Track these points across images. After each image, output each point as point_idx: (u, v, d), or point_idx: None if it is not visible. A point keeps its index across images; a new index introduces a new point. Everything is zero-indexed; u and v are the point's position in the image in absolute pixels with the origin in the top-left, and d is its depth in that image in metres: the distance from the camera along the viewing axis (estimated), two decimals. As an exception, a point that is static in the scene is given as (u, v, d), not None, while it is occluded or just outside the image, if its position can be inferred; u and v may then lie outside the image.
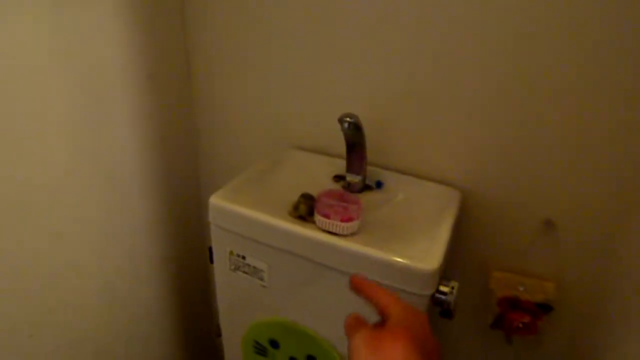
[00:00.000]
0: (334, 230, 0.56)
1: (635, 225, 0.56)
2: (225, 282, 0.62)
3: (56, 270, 0.65)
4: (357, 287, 0.38)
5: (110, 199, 0.71)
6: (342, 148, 0.63)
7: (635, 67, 0.50)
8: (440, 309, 0.52)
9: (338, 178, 0.68)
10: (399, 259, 0.47)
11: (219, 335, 0.73)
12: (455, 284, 0.51)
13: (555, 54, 0.53)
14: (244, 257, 0.58)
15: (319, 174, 0.69)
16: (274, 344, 0.62)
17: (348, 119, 0.56)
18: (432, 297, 0.50)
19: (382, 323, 0.34)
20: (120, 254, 0.76)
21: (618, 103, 0.52)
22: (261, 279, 0.58)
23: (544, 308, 0.64)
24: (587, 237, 0.60)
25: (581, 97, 0.54)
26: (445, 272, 0.52)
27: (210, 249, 0.87)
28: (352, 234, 0.57)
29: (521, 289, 0.64)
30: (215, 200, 0.56)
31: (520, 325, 0.64)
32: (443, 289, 0.51)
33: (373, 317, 0.50)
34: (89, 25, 0.60)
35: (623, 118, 0.53)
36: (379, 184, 0.67)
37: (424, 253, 0.48)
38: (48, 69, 0.56)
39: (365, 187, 0.66)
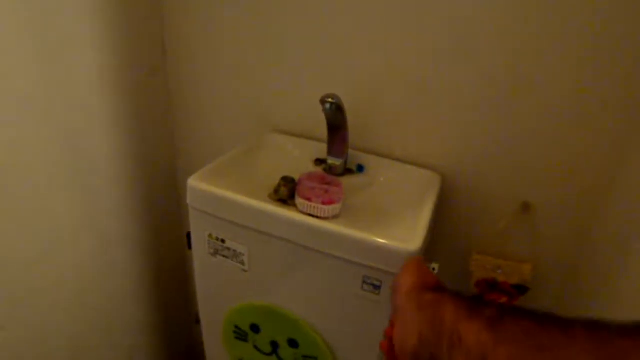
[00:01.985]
0: (315, 213, 0.56)
1: (609, 207, 0.57)
2: (204, 266, 0.61)
3: (25, 260, 0.62)
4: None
5: (81, 184, 0.68)
6: (322, 132, 0.62)
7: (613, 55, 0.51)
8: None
9: (319, 162, 0.68)
10: (382, 240, 0.46)
11: (198, 322, 0.71)
12: (436, 265, 0.51)
13: (536, 42, 0.53)
14: (223, 241, 0.56)
15: (300, 157, 0.68)
16: (255, 328, 0.61)
17: (330, 99, 0.55)
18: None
19: None
20: (94, 241, 0.73)
21: (595, 88, 0.53)
22: (241, 263, 0.57)
23: (520, 289, 0.65)
24: (562, 219, 0.62)
25: (560, 84, 0.54)
26: (427, 255, 0.53)
27: (188, 235, 0.85)
28: (334, 217, 0.57)
29: (499, 271, 0.66)
30: (194, 182, 0.55)
31: (498, 305, 0.65)
32: (424, 270, 0.51)
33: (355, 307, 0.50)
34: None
35: (599, 102, 0.54)
36: (360, 168, 0.66)
37: (407, 234, 0.48)
38: (16, 43, 0.53)
39: (347, 171, 0.66)
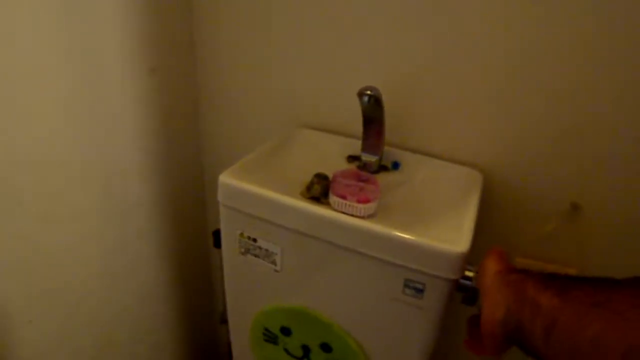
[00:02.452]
0: (350, 212, 0.53)
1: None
2: (234, 266, 0.59)
3: (53, 255, 0.61)
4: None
5: (108, 181, 0.67)
6: (355, 127, 0.59)
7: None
8: (463, 294, 0.49)
9: (352, 158, 0.65)
10: (427, 241, 0.43)
11: (224, 322, 0.70)
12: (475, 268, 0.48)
13: (598, 35, 0.49)
14: (255, 240, 0.54)
15: (332, 154, 0.66)
16: (286, 331, 0.59)
17: (368, 92, 0.52)
18: (457, 282, 0.47)
19: None
20: (120, 238, 0.72)
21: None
22: (273, 262, 0.54)
23: (566, 295, 0.61)
24: (613, 222, 0.58)
25: (615, 77, 0.50)
26: (469, 259, 0.49)
27: (214, 233, 0.84)
28: (370, 216, 0.54)
29: (542, 275, 0.62)
30: (225, 179, 0.53)
31: (542, 312, 0.61)
32: (468, 274, 0.48)
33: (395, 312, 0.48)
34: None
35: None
36: (395, 165, 0.63)
37: (451, 235, 0.45)
38: (48, 52, 0.53)
39: (381, 168, 0.63)
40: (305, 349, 0.59)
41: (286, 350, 0.61)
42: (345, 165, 0.64)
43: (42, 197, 0.58)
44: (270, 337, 0.61)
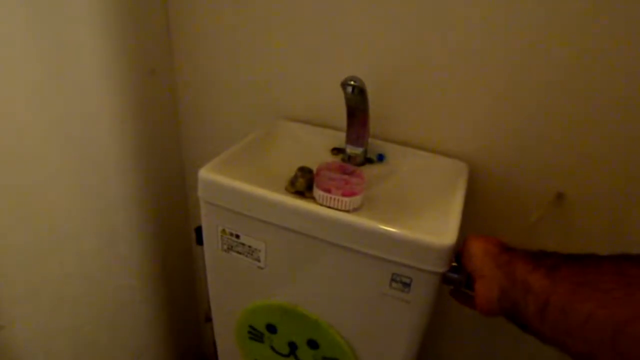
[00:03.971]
0: (335, 206, 0.52)
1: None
2: (217, 263, 0.57)
3: (26, 256, 0.59)
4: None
5: (84, 177, 0.64)
6: (339, 119, 0.58)
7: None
8: (451, 287, 0.49)
9: (336, 151, 0.64)
10: (414, 234, 0.43)
11: (209, 320, 0.68)
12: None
13: (577, 21, 0.49)
14: (237, 236, 0.53)
15: (316, 146, 0.64)
16: (272, 328, 0.57)
17: (352, 82, 0.51)
18: (444, 275, 0.47)
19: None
20: (98, 237, 0.70)
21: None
22: (257, 259, 0.53)
23: (552, 284, 0.61)
24: (599, 212, 0.58)
25: (601, 66, 0.50)
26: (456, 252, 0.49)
27: (196, 230, 0.82)
28: (355, 210, 0.53)
29: (528, 265, 0.62)
30: (206, 174, 0.51)
31: (528, 302, 0.61)
32: (455, 266, 0.47)
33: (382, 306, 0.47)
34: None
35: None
36: (380, 157, 0.62)
37: (438, 227, 0.45)
38: (22, 45, 0.50)
39: (366, 161, 0.62)
40: (292, 346, 0.58)
41: (272, 348, 0.59)
42: (329, 158, 0.63)
43: (15, 194, 0.55)
44: (255, 335, 0.60)
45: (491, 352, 0.75)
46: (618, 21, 0.48)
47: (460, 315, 0.73)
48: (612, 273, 0.30)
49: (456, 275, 0.47)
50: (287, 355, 0.59)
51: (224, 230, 0.53)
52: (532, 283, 0.34)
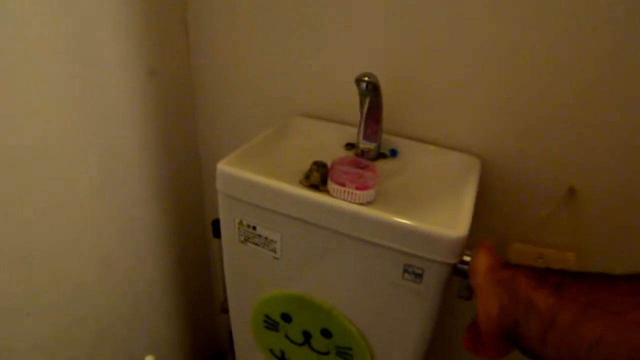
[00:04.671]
0: (349, 199, 0.53)
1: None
2: (234, 254, 0.59)
3: (52, 246, 0.61)
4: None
5: (107, 171, 0.67)
6: (352, 115, 0.59)
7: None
8: (461, 278, 0.50)
9: (350, 146, 0.65)
10: (426, 226, 0.44)
11: (226, 311, 0.70)
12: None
13: (580, 20, 0.49)
14: (254, 228, 0.54)
15: (329, 142, 0.66)
16: (287, 317, 0.59)
17: (366, 78, 0.52)
18: (455, 266, 0.48)
19: None
20: (119, 229, 0.72)
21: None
22: (273, 250, 0.55)
23: (563, 279, 0.62)
24: (610, 207, 0.58)
25: (609, 63, 0.50)
26: (467, 245, 0.50)
27: (213, 223, 0.84)
28: (368, 203, 0.54)
29: (540, 260, 0.62)
30: (224, 167, 0.53)
31: (539, 296, 0.62)
32: (466, 258, 0.48)
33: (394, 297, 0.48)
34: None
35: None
36: (393, 152, 0.63)
37: (451, 220, 0.46)
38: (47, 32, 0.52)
39: (380, 156, 0.63)
40: (306, 335, 0.59)
41: (287, 337, 0.61)
42: (343, 153, 0.64)
43: (42, 188, 0.57)
44: (271, 324, 0.62)
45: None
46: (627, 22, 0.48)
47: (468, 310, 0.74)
48: (626, 294, 0.28)
49: (467, 267, 0.48)
50: (302, 344, 0.60)
51: (241, 222, 0.55)
52: (536, 301, 0.32)
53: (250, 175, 0.51)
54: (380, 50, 0.61)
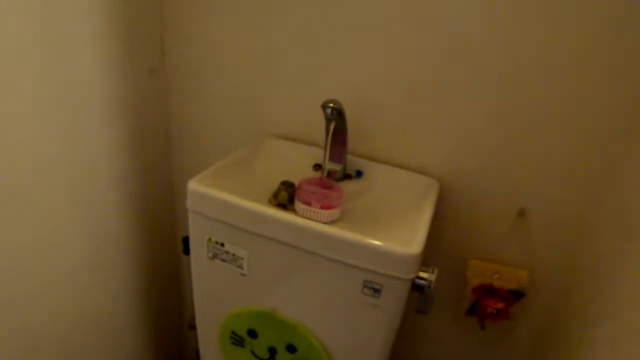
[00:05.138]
0: (315, 218, 0.55)
1: (604, 212, 0.58)
2: (203, 271, 0.60)
3: (12, 260, 0.61)
4: None
5: (75, 187, 0.67)
6: (321, 137, 0.62)
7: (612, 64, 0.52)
8: (419, 294, 0.53)
9: (318, 167, 0.68)
10: (381, 244, 0.47)
11: (193, 327, 0.71)
12: (435, 269, 0.52)
13: (531, 50, 0.54)
14: (222, 245, 0.56)
15: (299, 162, 0.69)
16: (253, 333, 0.61)
17: (331, 104, 0.55)
18: (413, 282, 0.51)
19: None
20: (87, 243, 0.72)
21: (588, 96, 0.54)
22: (240, 266, 0.56)
23: (517, 294, 0.66)
24: (558, 224, 0.63)
25: (553, 91, 0.56)
26: (426, 261, 0.53)
27: (184, 240, 0.85)
28: (333, 222, 0.57)
29: (495, 276, 0.66)
30: (194, 185, 0.55)
31: (494, 311, 0.66)
32: (423, 274, 0.51)
33: (355, 311, 0.50)
34: None
35: (591, 110, 0.55)
36: (359, 173, 0.67)
37: (407, 238, 0.49)
38: (18, 43, 0.53)
39: (345, 177, 0.66)
40: (272, 351, 0.61)
41: (253, 353, 0.62)
42: (311, 174, 0.67)
43: (7, 203, 0.57)
44: (237, 340, 0.63)
45: (459, 357, 0.79)
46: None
47: (429, 325, 0.77)
48: None
49: (424, 281, 0.51)
50: (267, 360, 0.62)
51: (209, 239, 0.57)
52: None
53: (219, 194, 0.53)
54: (347, 78, 0.65)
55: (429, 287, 0.52)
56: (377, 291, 0.49)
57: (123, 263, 0.81)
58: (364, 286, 0.50)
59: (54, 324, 0.70)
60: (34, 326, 0.67)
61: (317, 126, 0.60)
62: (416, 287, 0.51)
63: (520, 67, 0.56)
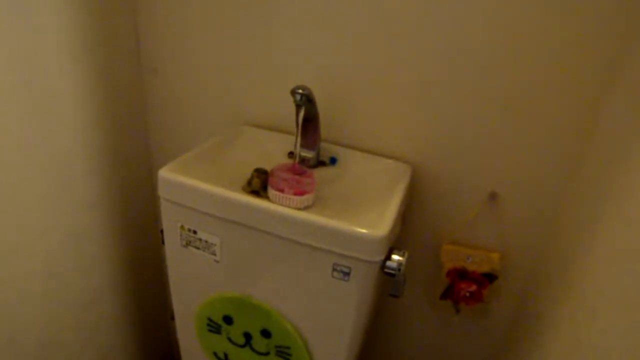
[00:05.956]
0: (287, 204, 0.56)
1: (573, 193, 0.59)
2: (177, 258, 0.61)
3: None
4: None
5: (52, 178, 0.67)
6: (295, 125, 0.62)
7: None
8: (391, 277, 0.54)
9: (292, 154, 0.68)
10: (349, 227, 0.47)
11: (174, 318, 0.71)
12: (405, 252, 0.52)
13: (499, 31, 0.55)
14: (195, 232, 0.56)
15: (273, 150, 0.69)
16: (228, 320, 0.61)
17: (300, 90, 0.55)
18: (383, 265, 0.51)
19: None
20: (65, 236, 0.72)
21: (552, 77, 0.55)
22: (213, 253, 0.57)
23: (489, 277, 0.67)
24: (527, 207, 0.64)
25: (521, 74, 0.56)
26: (399, 246, 0.54)
27: (162, 231, 0.85)
28: (306, 207, 0.58)
29: (469, 260, 0.67)
30: (165, 173, 0.55)
31: (467, 294, 0.67)
32: (393, 257, 0.52)
33: (326, 294, 0.51)
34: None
35: (556, 89, 0.56)
36: (332, 160, 0.67)
37: (374, 221, 0.49)
38: None
39: (319, 163, 0.66)
40: (247, 336, 0.61)
41: (229, 339, 0.63)
42: (286, 161, 0.67)
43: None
44: (214, 327, 0.63)
45: (442, 344, 0.80)
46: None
47: (405, 309, 0.78)
48: None
49: (395, 264, 0.52)
50: (243, 346, 0.62)
51: (182, 227, 0.57)
52: None
53: (189, 181, 0.53)
54: (317, 64, 0.65)
55: (399, 270, 0.52)
56: (346, 274, 0.50)
57: (102, 255, 0.81)
58: (334, 269, 0.50)
59: (34, 319, 0.70)
60: (11, 323, 0.66)
61: (291, 114, 0.60)
62: (386, 271, 0.52)
63: (491, 49, 0.56)
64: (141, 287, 0.94)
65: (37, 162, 0.63)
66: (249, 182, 0.61)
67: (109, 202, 0.79)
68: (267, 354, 0.61)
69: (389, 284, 0.55)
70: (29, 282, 0.68)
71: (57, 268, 0.72)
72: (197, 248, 0.57)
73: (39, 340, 0.73)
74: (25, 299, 0.68)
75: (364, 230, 0.47)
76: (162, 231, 0.85)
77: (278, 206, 0.53)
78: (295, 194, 0.56)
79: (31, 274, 0.68)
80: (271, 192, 0.57)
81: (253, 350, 0.62)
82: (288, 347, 0.59)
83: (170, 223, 0.58)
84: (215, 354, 0.66)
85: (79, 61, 0.65)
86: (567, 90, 0.55)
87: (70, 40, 0.63)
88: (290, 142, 0.69)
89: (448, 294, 0.69)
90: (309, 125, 0.62)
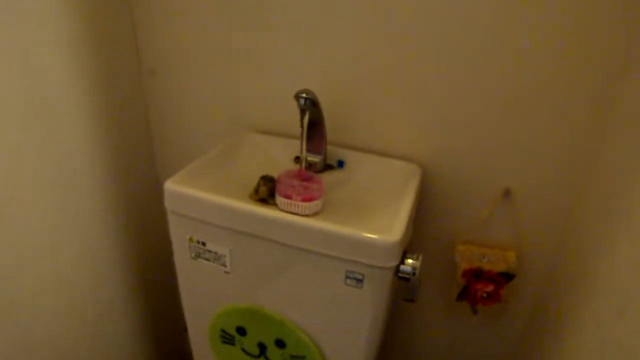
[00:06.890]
0: (296, 211, 0.55)
1: (589, 188, 0.57)
2: (187, 270, 0.60)
3: (4, 269, 0.60)
4: None
5: (61, 190, 0.67)
6: (300, 130, 0.61)
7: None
8: (405, 282, 0.52)
9: (299, 159, 0.67)
10: (360, 233, 0.46)
11: (187, 329, 0.70)
12: (419, 255, 0.51)
13: (513, 31, 0.53)
14: (204, 244, 0.56)
15: (279, 156, 0.68)
16: (242, 331, 0.60)
17: (304, 94, 0.54)
18: (397, 270, 0.50)
19: None
20: (76, 250, 0.72)
21: (568, 73, 0.54)
22: (223, 264, 0.56)
23: (506, 276, 0.65)
24: (542, 203, 0.62)
25: (530, 70, 0.55)
26: (412, 248, 0.52)
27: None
28: (315, 214, 0.56)
29: (484, 259, 0.66)
30: (171, 186, 0.54)
31: (485, 294, 0.65)
32: (407, 261, 0.51)
33: (339, 302, 0.50)
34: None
35: (571, 87, 0.54)
36: (340, 163, 0.66)
37: (386, 226, 0.48)
38: None
39: (327, 167, 0.65)
40: (262, 347, 0.60)
41: (244, 350, 0.62)
42: (292, 167, 0.66)
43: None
44: (227, 339, 0.62)
45: (459, 346, 0.79)
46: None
47: (420, 313, 0.77)
48: None
49: (410, 269, 0.51)
50: (258, 356, 0.61)
51: (190, 239, 0.56)
52: None
53: (196, 192, 0.53)
54: (321, 68, 0.64)
55: (414, 274, 0.51)
56: (359, 281, 0.49)
57: (114, 268, 0.81)
58: (347, 277, 0.49)
59: (48, 334, 0.70)
60: (27, 339, 0.66)
61: (296, 118, 0.59)
62: (401, 274, 0.51)
63: (501, 47, 0.54)
64: (153, 299, 0.94)
65: (43, 177, 0.63)
66: (256, 190, 0.60)
67: (118, 215, 0.79)
68: (282, 364, 0.60)
69: (403, 288, 0.54)
70: (41, 298, 0.68)
71: (68, 282, 0.72)
72: (207, 260, 0.56)
73: (54, 355, 0.72)
74: (38, 314, 0.68)
75: (376, 236, 0.46)
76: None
77: (286, 214, 0.52)
78: (304, 200, 0.55)
79: (43, 289, 0.67)
80: (279, 199, 0.56)
81: (268, 360, 0.61)
82: (303, 357, 0.58)
83: (179, 235, 0.57)
84: (229, 365, 0.65)
85: (80, 73, 0.65)
86: (579, 85, 0.54)
87: (73, 53, 0.63)
88: (296, 146, 0.68)
89: (464, 295, 0.67)
90: (315, 129, 0.61)
